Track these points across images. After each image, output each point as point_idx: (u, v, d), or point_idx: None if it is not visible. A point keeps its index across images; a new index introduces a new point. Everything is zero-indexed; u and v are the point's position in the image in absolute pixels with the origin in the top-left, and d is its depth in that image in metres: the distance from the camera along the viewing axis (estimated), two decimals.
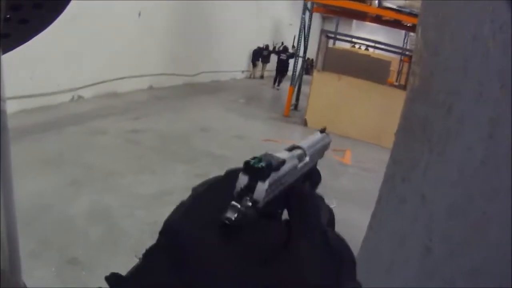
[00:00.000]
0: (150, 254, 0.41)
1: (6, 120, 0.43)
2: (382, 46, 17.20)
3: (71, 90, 9.97)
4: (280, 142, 9.42)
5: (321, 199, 0.52)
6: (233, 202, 0.40)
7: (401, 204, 1.96)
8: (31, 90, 8.54)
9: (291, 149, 0.54)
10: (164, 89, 14.08)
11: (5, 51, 0.55)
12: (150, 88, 13.72)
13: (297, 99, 14.18)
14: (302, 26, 13.26)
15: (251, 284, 0.38)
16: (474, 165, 1.45)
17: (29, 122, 7.66)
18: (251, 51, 22.60)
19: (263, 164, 0.43)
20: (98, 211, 4.85)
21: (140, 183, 5.80)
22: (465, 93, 1.53)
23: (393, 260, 1.98)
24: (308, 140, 0.60)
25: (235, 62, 20.72)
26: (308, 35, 13.73)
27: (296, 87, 13.83)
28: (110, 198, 5.19)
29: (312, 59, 22.25)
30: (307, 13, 13.37)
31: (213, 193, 0.46)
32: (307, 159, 0.54)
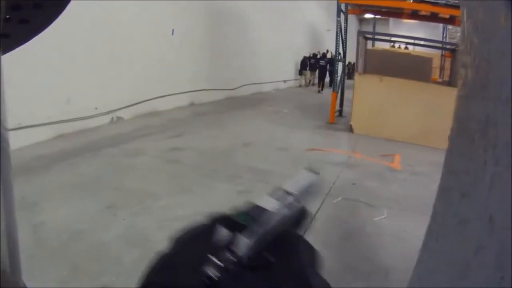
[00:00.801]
0: None
1: (7, 145, 0.44)
2: (422, 42, 16.86)
3: (109, 112, 10.00)
4: (325, 151, 9.19)
5: (304, 242, 0.56)
6: (214, 259, 0.43)
7: (462, 225, 1.63)
8: (68, 115, 8.59)
9: (278, 194, 0.54)
10: (205, 104, 14.10)
11: (5, 51, 0.55)
12: (191, 104, 13.74)
13: (341, 104, 13.95)
14: (339, 29, 12.98)
15: None
16: None
17: (66, 147, 7.69)
18: (293, 60, 23.00)
19: (247, 219, 0.46)
20: (134, 235, 4.68)
21: (179, 204, 5.59)
22: None
23: None
24: (296, 182, 0.58)
25: (276, 73, 20.74)
26: (346, 39, 13.44)
27: (339, 92, 13.48)
28: (147, 221, 5.03)
29: (353, 63, 22.24)
30: (342, 16, 13.13)
31: (194, 244, 0.49)
32: (296, 204, 0.54)
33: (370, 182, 7.05)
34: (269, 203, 0.52)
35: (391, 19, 26.57)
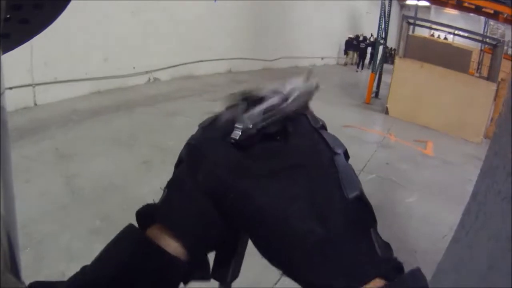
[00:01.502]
0: (176, 172, 0.56)
1: (5, 116, 0.43)
2: (465, 34, 16.58)
3: (147, 72, 10.11)
4: (361, 129, 9.31)
5: (311, 115, 0.61)
6: (236, 125, 0.50)
7: (505, 203, 1.70)
8: (105, 72, 8.72)
9: (275, 89, 0.58)
10: (242, 73, 14.10)
11: (5, 51, 0.56)
12: (229, 71, 13.82)
13: (378, 86, 13.85)
14: (382, 12, 12.85)
15: (249, 173, 0.49)
16: None
17: (102, 103, 7.80)
18: (332, 39, 23.23)
19: (256, 93, 0.53)
20: None
21: None
22: None
23: (492, 265, 1.74)
24: (293, 82, 0.63)
25: (314, 49, 20.66)
26: (388, 22, 13.32)
27: (377, 74, 13.48)
28: None
29: (391, 48, 22.20)
30: None
31: (218, 121, 0.55)
32: (295, 94, 0.58)
33: (402, 164, 7.12)
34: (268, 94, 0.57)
35: (433, 8, 26.23)
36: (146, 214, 0.54)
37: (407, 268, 0.47)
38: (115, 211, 4.15)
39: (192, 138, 0.57)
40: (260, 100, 0.52)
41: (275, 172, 0.49)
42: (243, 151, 0.50)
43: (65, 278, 0.48)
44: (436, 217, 5.05)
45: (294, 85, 0.62)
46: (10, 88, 6.50)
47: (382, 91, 13.57)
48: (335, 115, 9.95)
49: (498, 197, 1.77)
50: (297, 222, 0.47)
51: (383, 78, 13.89)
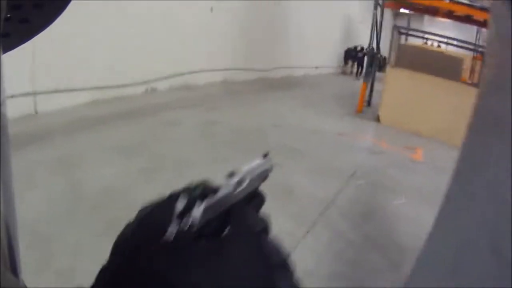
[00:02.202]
0: (101, 272, 0.47)
1: (6, 123, 0.43)
2: (455, 43, 16.74)
3: (144, 82, 10.22)
4: (353, 137, 9.45)
5: (255, 212, 0.56)
6: (171, 227, 0.45)
7: (471, 202, 1.87)
8: (104, 82, 8.83)
9: (230, 175, 0.55)
10: (237, 83, 14.16)
11: (5, 50, 0.55)
12: (224, 81, 13.82)
13: (370, 95, 13.94)
14: (374, 22, 13.01)
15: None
16: None
17: (101, 112, 7.89)
18: (326, 48, 23.44)
19: (197, 191, 0.49)
20: None
21: (212, 173, 5.79)
22: None
23: (455, 270, 1.89)
24: (249, 166, 0.60)
25: (308, 59, 20.72)
26: (380, 32, 13.49)
27: (369, 83, 13.58)
28: (180, 185, 5.22)
29: (384, 57, 22.43)
30: (379, 9, 13.01)
31: (155, 216, 0.50)
32: (244, 185, 0.55)
33: (392, 169, 7.26)
34: (223, 184, 0.54)
35: (426, 16, 26.28)
36: None
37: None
38: (117, 216, 4.27)
39: (123, 237, 0.51)
40: (215, 190, 0.50)
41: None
42: (177, 254, 0.45)
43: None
44: (424, 218, 5.09)
45: (248, 170, 0.59)
46: (12, 97, 6.64)
47: (374, 100, 13.62)
48: (327, 124, 10.04)
49: (465, 198, 1.94)
50: None
51: (376, 86, 13.86)
